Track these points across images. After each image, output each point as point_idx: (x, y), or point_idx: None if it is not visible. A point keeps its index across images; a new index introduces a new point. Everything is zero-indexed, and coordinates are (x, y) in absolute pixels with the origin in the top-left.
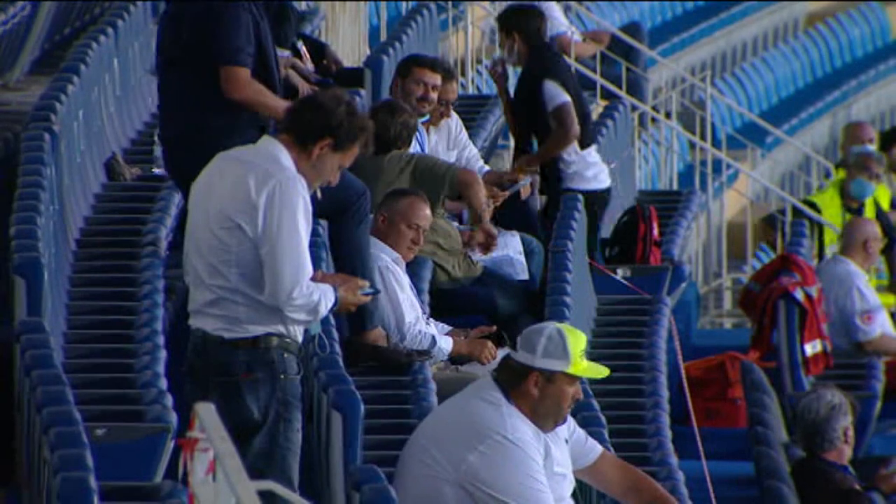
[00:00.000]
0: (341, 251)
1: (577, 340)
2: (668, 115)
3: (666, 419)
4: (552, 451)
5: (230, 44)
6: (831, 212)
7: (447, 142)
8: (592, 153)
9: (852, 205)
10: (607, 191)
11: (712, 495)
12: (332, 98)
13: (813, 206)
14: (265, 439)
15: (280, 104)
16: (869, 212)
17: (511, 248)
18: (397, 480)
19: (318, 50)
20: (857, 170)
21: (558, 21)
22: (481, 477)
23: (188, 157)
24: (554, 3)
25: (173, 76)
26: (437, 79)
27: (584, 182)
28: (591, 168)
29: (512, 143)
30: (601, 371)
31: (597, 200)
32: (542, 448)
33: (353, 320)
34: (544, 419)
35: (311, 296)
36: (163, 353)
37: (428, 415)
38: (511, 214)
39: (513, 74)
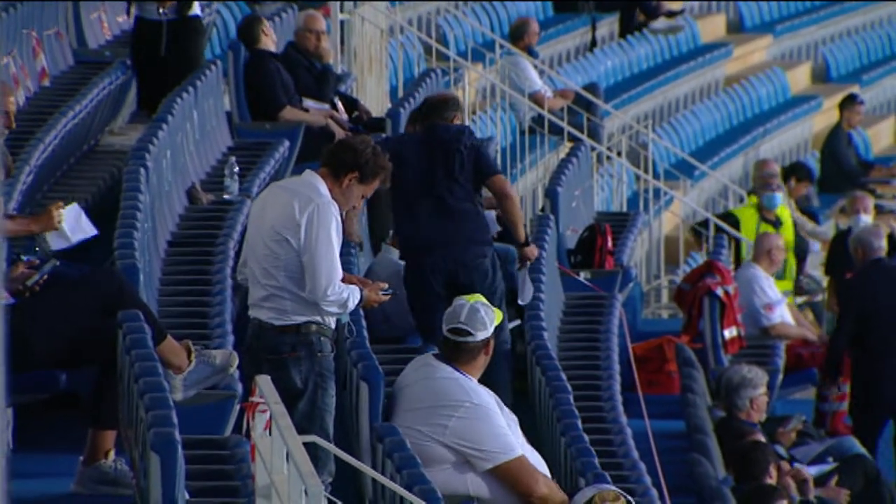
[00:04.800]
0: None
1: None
2: (619, 154)
3: (617, 387)
4: (502, 404)
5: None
6: (749, 226)
7: None
8: None
9: (770, 216)
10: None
11: (653, 446)
12: (361, 141)
13: (733, 216)
14: (307, 403)
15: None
16: (787, 226)
17: None
18: None
19: (352, 104)
20: (763, 188)
21: (534, 81)
22: (465, 437)
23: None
24: (531, 67)
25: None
26: None
27: None
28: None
29: None
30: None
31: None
32: (496, 403)
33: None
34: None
35: (341, 293)
36: (231, 337)
37: (394, 392)
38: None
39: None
